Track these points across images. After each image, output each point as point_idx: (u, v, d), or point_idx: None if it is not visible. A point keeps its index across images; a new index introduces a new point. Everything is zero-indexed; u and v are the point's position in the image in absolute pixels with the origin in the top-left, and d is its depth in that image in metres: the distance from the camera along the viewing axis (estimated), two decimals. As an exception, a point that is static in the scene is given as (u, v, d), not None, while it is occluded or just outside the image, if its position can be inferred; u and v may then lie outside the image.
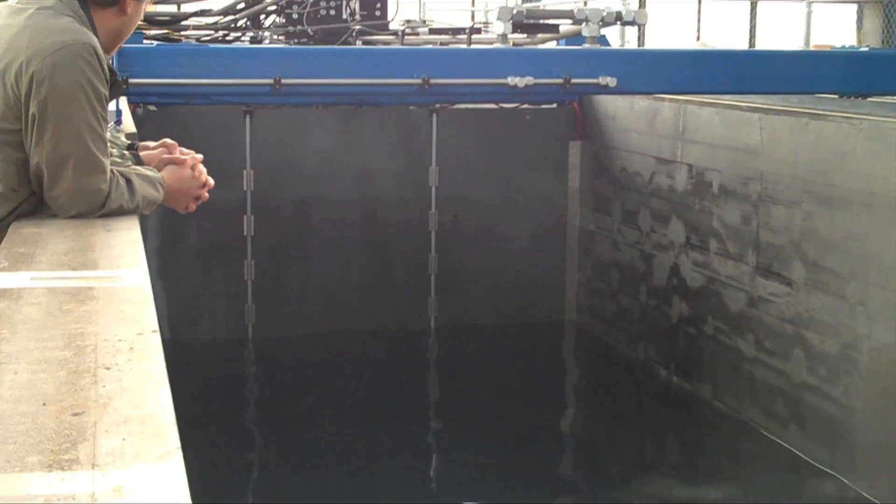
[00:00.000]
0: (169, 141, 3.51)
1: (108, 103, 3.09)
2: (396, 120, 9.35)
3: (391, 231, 9.56)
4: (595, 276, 9.56)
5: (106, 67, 3.01)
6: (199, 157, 3.48)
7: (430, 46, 9.63)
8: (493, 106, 9.39)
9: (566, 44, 9.27)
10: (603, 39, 9.15)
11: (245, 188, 9.02)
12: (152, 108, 8.29)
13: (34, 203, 3.06)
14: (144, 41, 8.18)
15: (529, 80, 7.94)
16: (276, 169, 9.16)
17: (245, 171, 8.97)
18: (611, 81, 8.09)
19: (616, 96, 8.56)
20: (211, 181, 3.50)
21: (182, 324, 9.09)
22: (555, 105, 9.45)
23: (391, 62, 7.84)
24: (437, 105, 9.23)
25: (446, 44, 9.96)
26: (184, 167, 3.39)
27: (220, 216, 8.90)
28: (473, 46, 9.60)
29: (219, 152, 8.38)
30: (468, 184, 9.46)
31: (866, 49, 7.32)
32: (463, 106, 9.40)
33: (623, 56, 8.40)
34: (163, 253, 9.00)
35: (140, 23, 3.53)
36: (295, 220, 9.39)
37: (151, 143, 3.53)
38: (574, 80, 8.00)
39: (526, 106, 9.39)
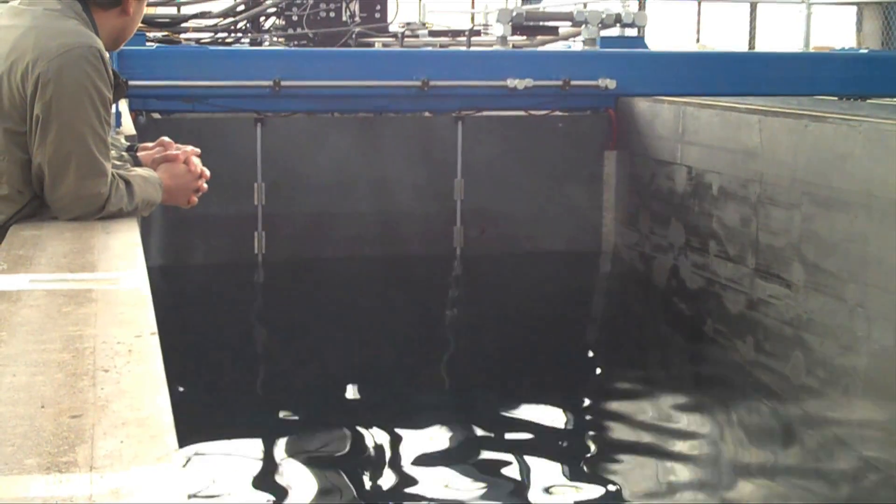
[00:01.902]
0: (166, 139, 3.52)
1: (111, 106, 3.09)
2: (418, 128, 8.97)
3: (413, 248, 9.07)
4: (631, 298, 9.10)
5: (110, 70, 3.02)
6: (191, 150, 3.48)
7: (429, 49, 9.61)
8: (521, 113, 8.97)
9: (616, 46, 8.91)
10: (640, 41, 8.96)
11: (256, 202, 8.64)
12: (156, 115, 8.14)
13: (37, 206, 3.07)
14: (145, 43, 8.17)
15: (529, 82, 7.94)
16: (288, 181, 8.74)
17: (256, 184, 8.60)
18: (610, 83, 8.10)
19: (657, 102, 8.19)
20: (207, 172, 3.50)
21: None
22: (588, 112, 9.04)
23: (391, 64, 7.77)
24: (463, 112, 8.81)
25: (446, 46, 9.92)
26: (177, 163, 3.40)
27: (229, 233, 8.61)
28: (473, 48, 9.59)
29: (227, 164, 8.18)
30: (496, 197, 9.02)
31: (866, 51, 7.31)
32: (490, 113, 8.97)
33: (623, 58, 8.38)
34: (166, 273, 8.49)
35: (140, 24, 3.53)
36: (309, 236, 8.91)
37: (150, 144, 3.54)
38: (574, 82, 7.99)
39: (557, 113, 9.00)
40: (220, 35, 9.62)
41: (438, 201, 8.97)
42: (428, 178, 8.92)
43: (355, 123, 8.81)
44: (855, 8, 14.40)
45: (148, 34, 8.72)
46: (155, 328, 2.11)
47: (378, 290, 9.04)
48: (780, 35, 17.59)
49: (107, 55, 3.01)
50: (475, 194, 8.95)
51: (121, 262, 2.67)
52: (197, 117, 8.42)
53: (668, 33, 17.66)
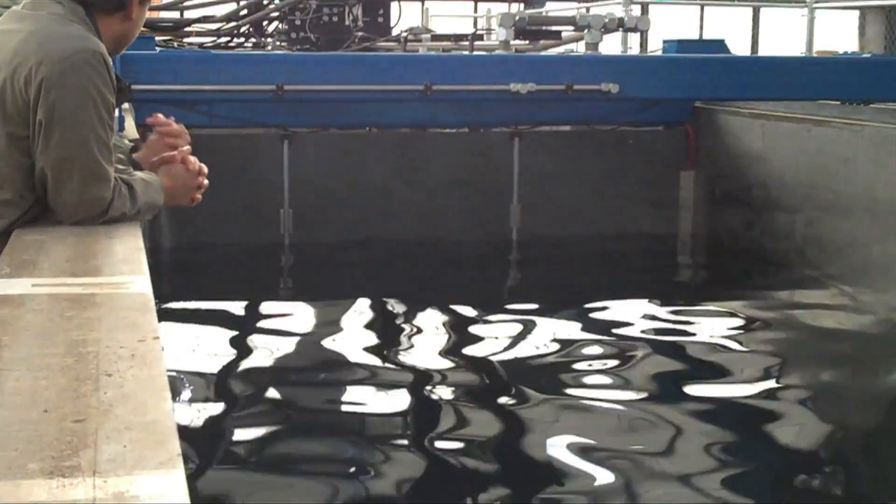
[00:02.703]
0: (160, 117, 3.53)
1: (114, 110, 3.10)
2: (468, 146, 8.23)
3: (462, 284, 7.99)
4: None
5: (114, 75, 3.03)
6: (187, 148, 3.49)
7: (432, 53, 9.61)
8: (585, 128, 8.31)
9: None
10: (722, 46, 8.60)
11: (282, 230, 7.87)
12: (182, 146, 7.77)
13: (40, 210, 3.07)
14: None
15: (532, 86, 7.93)
16: (319, 207, 7.94)
17: (282, 210, 7.85)
18: (613, 88, 8.09)
19: (744, 116, 7.62)
20: (205, 167, 3.50)
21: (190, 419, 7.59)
22: (660, 126, 8.37)
23: (393, 68, 7.66)
24: (519, 127, 8.09)
25: (449, 50, 9.90)
26: (174, 164, 3.40)
27: (249, 266, 7.82)
28: (476, 53, 9.59)
29: (250, 187, 7.70)
30: (557, 225, 8.19)
31: (868, 55, 7.30)
32: (550, 128, 8.27)
33: (625, 62, 8.38)
34: (178, 315, 7.26)
35: (143, 29, 3.54)
36: (342, 270, 7.95)
37: (152, 137, 3.55)
38: (576, 87, 7.99)
39: (627, 128, 8.28)
40: (223, 39, 9.63)
41: (492, 231, 8.17)
42: (480, 204, 8.15)
43: (395, 140, 8.11)
44: (857, 12, 14.40)
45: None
46: (158, 333, 2.11)
47: (422, 331, 7.51)
48: (783, 39, 17.60)
49: (110, 59, 3.01)
50: (533, 221, 8.17)
51: (124, 266, 2.67)
52: (215, 133, 7.75)
53: (671, 37, 17.66)
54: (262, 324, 7.59)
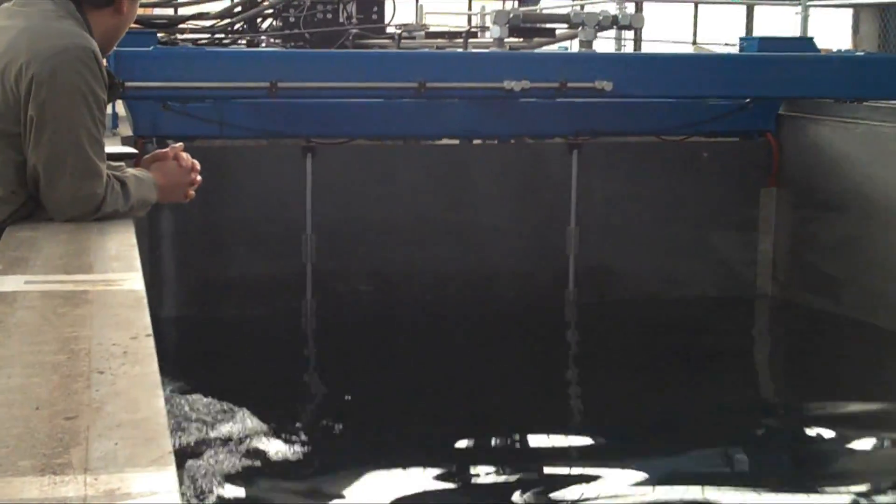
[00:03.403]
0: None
1: (106, 107, 3.10)
2: (519, 159, 7.52)
3: (511, 318, 7.33)
4: None
5: (105, 71, 3.02)
6: (179, 145, 3.49)
7: (426, 50, 9.58)
8: (653, 139, 7.59)
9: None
10: (810, 44, 8.04)
11: (304, 259, 7.11)
12: (174, 143, 7.26)
13: (32, 207, 3.07)
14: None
15: (526, 83, 7.90)
16: (347, 232, 7.18)
17: (304, 236, 7.11)
18: (606, 85, 8.05)
19: (840, 123, 7.09)
20: (197, 164, 3.50)
21: (198, 468, 6.14)
22: (738, 138, 7.68)
23: (387, 66, 7.51)
24: (579, 139, 7.33)
25: (443, 48, 9.88)
26: (167, 161, 3.40)
27: (269, 298, 7.07)
28: (470, 50, 9.58)
29: (266, 208, 7.06)
30: (620, 250, 7.46)
31: (862, 53, 7.31)
32: (612, 139, 7.52)
33: (619, 60, 8.38)
34: (183, 358, 6.74)
35: (137, 26, 3.54)
36: (373, 303, 7.24)
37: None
38: (570, 84, 7.96)
39: (699, 139, 7.57)
40: (217, 36, 9.62)
41: (545, 257, 7.41)
42: (532, 225, 7.40)
43: (434, 153, 7.46)
44: (851, 10, 14.42)
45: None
46: (150, 330, 2.11)
47: (462, 371, 6.99)
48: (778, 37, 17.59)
49: (101, 56, 3.01)
50: (594, 247, 7.38)
51: (116, 263, 2.67)
52: (227, 145, 7.19)
53: (665, 35, 17.68)
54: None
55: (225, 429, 6.38)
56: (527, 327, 7.19)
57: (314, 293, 7.08)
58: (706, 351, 7.15)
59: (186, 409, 6.36)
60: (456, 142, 7.49)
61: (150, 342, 2.01)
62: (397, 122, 7.32)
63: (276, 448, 6.68)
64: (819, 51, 8.04)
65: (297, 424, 6.69)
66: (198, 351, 6.85)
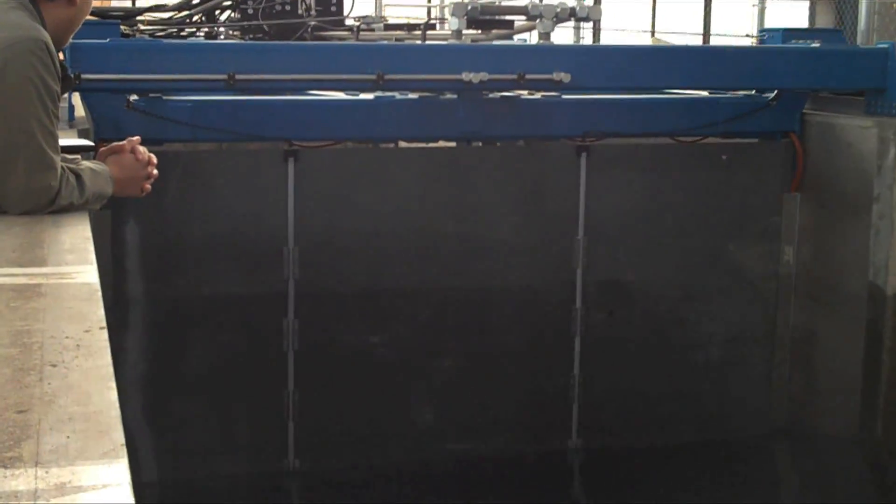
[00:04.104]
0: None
1: (59, 99, 3.08)
2: (521, 164, 7.06)
3: (511, 337, 6.91)
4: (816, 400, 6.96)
5: (57, 63, 3.01)
6: (137, 138, 3.49)
7: (384, 42, 9.55)
8: (668, 141, 7.14)
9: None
10: (839, 36, 7.72)
11: (285, 275, 6.54)
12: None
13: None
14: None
15: (484, 75, 7.89)
16: (333, 245, 6.63)
17: (285, 249, 6.54)
18: (564, 77, 8.05)
19: (870, 125, 6.76)
20: (154, 158, 3.49)
21: (181, 496, 6.38)
22: (757, 139, 7.27)
23: (345, 57, 7.44)
24: (588, 140, 6.84)
25: (401, 40, 9.86)
26: (124, 154, 3.40)
27: (245, 320, 6.53)
28: (428, 42, 9.56)
29: (244, 219, 6.53)
30: (631, 263, 7.03)
31: (816, 45, 7.34)
32: (623, 141, 7.05)
33: (577, 52, 8.38)
34: (152, 385, 6.41)
35: (93, 18, 3.53)
36: (362, 323, 6.71)
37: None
38: (528, 76, 7.95)
39: (714, 139, 7.13)
40: (174, 29, 9.56)
41: (550, 270, 6.90)
42: (536, 236, 6.90)
43: (429, 157, 6.94)
44: (808, 3, 14.53)
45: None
46: (104, 322, 2.10)
47: (460, 397, 6.80)
48: (734, 29, 17.70)
49: (53, 48, 3.00)
50: (603, 259, 6.91)
51: (71, 256, 2.66)
52: (199, 149, 6.70)
53: (623, 27, 17.73)
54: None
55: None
56: (531, 343, 6.81)
57: (297, 312, 6.54)
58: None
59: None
60: (453, 144, 7.11)
61: (104, 335, 2.01)
62: (388, 123, 6.84)
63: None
64: (846, 43, 7.79)
65: (275, 462, 6.60)
66: (167, 379, 6.45)
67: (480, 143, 7.24)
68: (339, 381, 6.65)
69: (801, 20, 15.20)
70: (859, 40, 8.23)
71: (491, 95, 7.10)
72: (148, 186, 3.48)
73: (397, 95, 7.04)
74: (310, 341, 6.56)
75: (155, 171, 3.50)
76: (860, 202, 6.89)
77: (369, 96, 7.01)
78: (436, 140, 7.00)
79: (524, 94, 7.21)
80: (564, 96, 7.23)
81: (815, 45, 7.30)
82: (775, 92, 7.43)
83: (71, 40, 3.36)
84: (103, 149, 3.47)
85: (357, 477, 6.75)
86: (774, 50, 7.52)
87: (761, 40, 8.21)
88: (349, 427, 6.72)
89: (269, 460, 6.63)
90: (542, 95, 7.21)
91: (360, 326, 6.69)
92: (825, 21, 13.34)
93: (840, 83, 7.34)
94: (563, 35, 15.54)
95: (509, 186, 6.90)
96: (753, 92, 7.59)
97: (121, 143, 3.44)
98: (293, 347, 6.57)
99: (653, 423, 7.12)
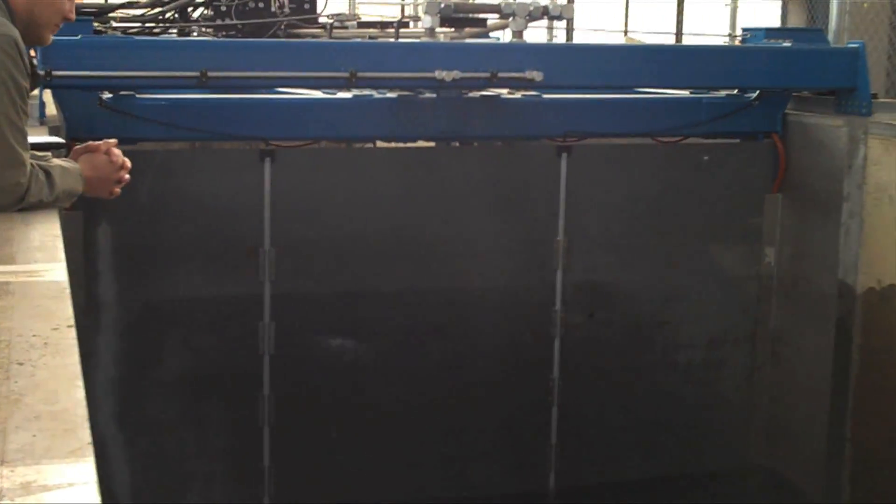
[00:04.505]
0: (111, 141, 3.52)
1: (28, 95, 3.07)
2: (501, 164, 7.00)
3: (490, 339, 6.85)
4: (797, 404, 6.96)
5: (27, 59, 3.00)
6: (113, 141, 3.48)
7: (357, 40, 9.52)
8: (649, 141, 7.11)
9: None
10: (820, 36, 7.67)
11: (261, 277, 6.43)
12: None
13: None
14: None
15: (457, 73, 7.88)
16: (309, 246, 6.54)
17: (262, 251, 6.42)
18: (537, 75, 8.05)
19: (840, 124, 6.83)
20: (128, 161, 3.48)
21: (157, 498, 6.36)
22: (738, 140, 7.25)
23: (318, 55, 7.32)
24: (568, 141, 6.78)
25: (375, 38, 9.84)
26: (97, 154, 3.39)
27: (220, 323, 6.44)
28: (401, 40, 9.55)
29: (219, 220, 6.42)
30: (612, 264, 6.98)
31: (788, 45, 7.36)
32: (604, 141, 7.00)
33: (549, 50, 8.38)
34: (124, 388, 6.30)
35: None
36: (340, 326, 6.64)
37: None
38: (501, 74, 7.94)
39: (696, 140, 7.09)
40: (147, 25, 9.53)
41: (529, 271, 6.84)
42: (516, 237, 6.83)
43: (407, 157, 6.86)
44: (780, 2, 14.59)
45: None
46: (72, 321, 2.09)
47: (438, 400, 6.72)
48: (707, 28, 17.77)
49: (22, 43, 2.98)
50: (583, 261, 6.84)
51: (40, 254, 2.65)
52: (173, 149, 6.63)
53: (596, 26, 17.76)
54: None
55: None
56: (510, 345, 6.76)
57: (273, 315, 6.42)
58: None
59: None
60: (431, 144, 7.01)
61: (72, 333, 2.00)
62: (366, 122, 6.74)
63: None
64: (829, 43, 7.85)
65: (250, 467, 6.54)
66: (140, 382, 6.34)
67: (459, 144, 7.18)
68: (314, 385, 6.60)
69: (773, 20, 15.26)
70: (831, 40, 8.27)
71: (470, 95, 7.05)
72: (118, 190, 3.47)
73: (375, 94, 6.99)
74: (285, 345, 6.47)
75: (127, 176, 3.50)
76: (832, 201, 6.92)
77: (347, 95, 6.94)
78: (414, 140, 6.94)
79: (504, 93, 7.17)
80: (545, 96, 7.19)
81: (787, 44, 7.33)
82: (757, 92, 7.44)
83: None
84: (77, 147, 3.46)
85: (331, 476, 6.70)
86: (745, 49, 7.55)
87: (744, 40, 8.20)
88: (324, 431, 6.67)
89: (243, 464, 6.57)
90: (523, 95, 7.18)
91: (337, 329, 6.61)
92: (797, 20, 13.40)
93: (811, 83, 7.38)
94: (536, 34, 15.57)
95: (488, 187, 6.84)
96: (736, 92, 7.61)
97: (96, 143, 3.43)
98: (268, 351, 6.48)
99: (634, 425, 7.12)
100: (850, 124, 7.01)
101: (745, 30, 8.24)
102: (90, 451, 1.45)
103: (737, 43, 12.34)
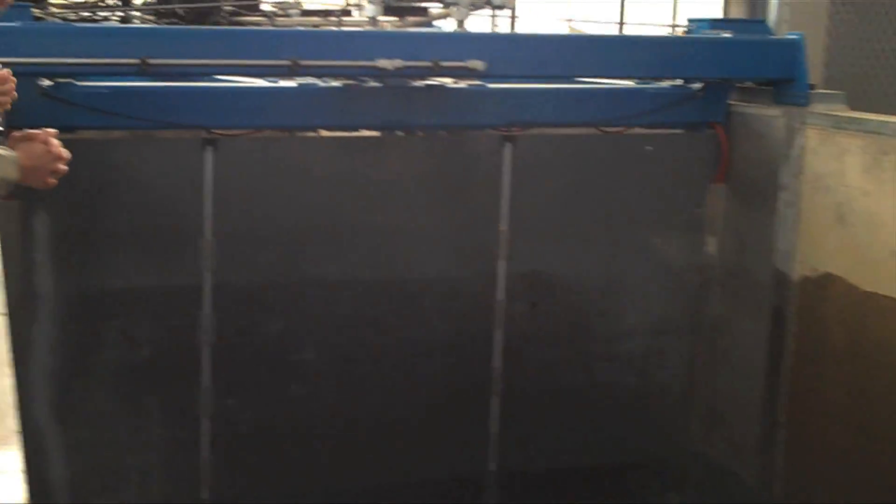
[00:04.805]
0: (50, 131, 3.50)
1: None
2: (444, 154, 6.95)
3: (432, 328, 6.82)
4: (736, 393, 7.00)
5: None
6: (52, 131, 3.47)
7: (300, 28, 9.48)
8: (594, 131, 7.06)
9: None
10: (763, 27, 7.75)
11: (202, 267, 6.37)
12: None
13: None
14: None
15: (399, 62, 7.86)
16: (251, 235, 6.47)
17: (202, 240, 6.38)
18: (478, 65, 8.03)
19: (778, 114, 6.89)
20: (66, 153, 3.46)
21: (92, 493, 6.30)
22: (682, 130, 7.24)
23: (260, 43, 6.87)
24: (512, 130, 6.76)
25: (318, 26, 9.81)
26: (35, 142, 3.38)
27: (160, 313, 6.35)
28: (344, 29, 9.53)
29: (159, 209, 6.34)
30: (555, 254, 6.96)
31: (728, 35, 7.43)
32: (548, 131, 6.96)
33: (490, 39, 8.39)
34: (61, 379, 6.21)
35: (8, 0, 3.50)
36: (281, 317, 6.57)
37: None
38: (443, 64, 7.93)
39: (640, 130, 7.11)
40: (87, 12, 9.47)
41: (472, 261, 6.78)
42: (458, 227, 6.78)
43: (351, 146, 6.75)
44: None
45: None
46: (3, 308, 2.09)
47: (379, 387, 6.70)
48: (650, 19, 17.87)
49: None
50: (526, 250, 6.83)
51: (-30, 242, 2.63)
52: (113, 137, 6.48)
53: (540, 16, 17.81)
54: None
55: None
56: (452, 335, 6.72)
57: (214, 306, 6.36)
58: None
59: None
60: (376, 134, 6.97)
61: (1, 321, 1.99)
62: (309, 111, 6.68)
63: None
64: (773, 34, 7.89)
65: (189, 460, 6.46)
66: (78, 373, 6.25)
67: (403, 133, 7.15)
68: (255, 376, 6.56)
69: (716, 11, 15.35)
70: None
71: (414, 84, 7.03)
72: (52, 181, 3.46)
73: (319, 83, 6.96)
74: (226, 335, 6.43)
75: (65, 167, 3.48)
76: (770, 191, 7.00)
77: (291, 84, 6.88)
78: (357, 129, 6.88)
79: (448, 82, 7.17)
80: (490, 86, 7.17)
81: (727, 35, 7.39)
82: (702, 83, 7.47)
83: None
84: (16, 134, 3.44)
85: (272, 466, 6.68)
86: (687, 40, 7.60)
87: (688, 31, 8.25)
88: (265, 422, 6.62)
89: (182, 456, 6.51)
90: (469, 84, 7.18)
91: (279, 319, 6.56)
92: (739, 11, 13.51)
93: (752, 73, 7.44)
94: (480, 24, 15.57)
95: (432, 176, 6.81)
96: (681, 82, 7.65)
97: (35, 131, 3.42)
98: (209, 341, 6.43)
99: (574, 413, 7.15)
100: (787, 115, 7.09)
101: (689, 21, 8.29)
102: (15, 439, 1.45)
103: (680, 34, 12.43)
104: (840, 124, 6.79)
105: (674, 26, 16.70)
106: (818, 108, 7.09)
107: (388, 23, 9.30)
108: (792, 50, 7.27)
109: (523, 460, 7.04)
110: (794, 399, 6.87)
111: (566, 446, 7.12)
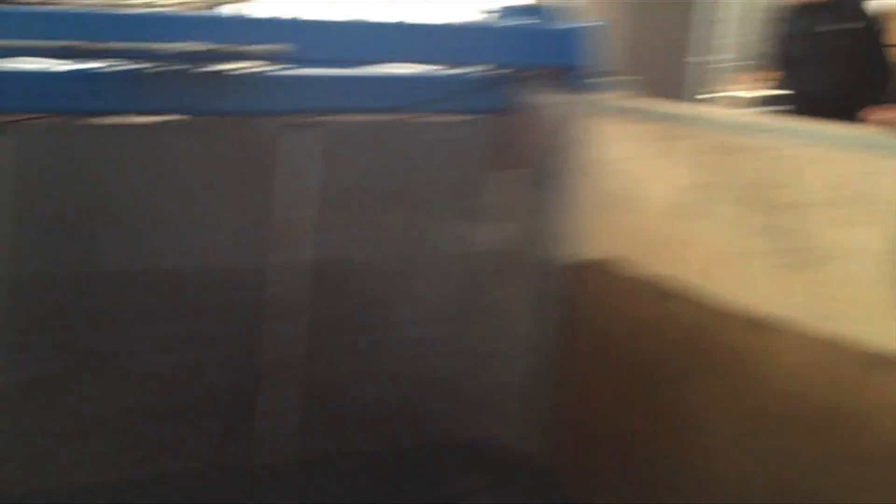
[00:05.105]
0: None
1: None
2: (231, 140, 6.76)
3: (218, 320, 6.68)
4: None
5: None
6: None
7: (82, 10, 8.96)
8: (384, 118, 7.03)
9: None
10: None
11: None
12: None
13: None
14: None
15: (200, 45, 7.61)
16: (29, 227, 6.21)
17: None
18: (285, 49, 7.89)
19: (560, 101, 6.86)
20: None
21: None
22: (465, 117, 7.24)
23: (37, 24, 6.31)
24: (302, 117, 6.70)
25: (104, 6, 9.52)
26: None
27: None
28: (137, 10, 9.28)
29: None
30: (339, 243, 6.88)
31: (513, 23, 7.46)
32: (338, 118, 6.87)
33: (297, 24, 8.27)
34: None
35: None
36: (64, 310, 6.35)
37: None
38: (244, 48, 7.74)
39: (430, 117, 7.08)
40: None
41: (259, 251, 6.64)
42: (244, 216, 6.67)
43: (136, 133, 6.51)
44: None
45: None
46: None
47: (166, 382, 6.55)
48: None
49: None
50: (312, 239, 6.68)
51: None
52: None
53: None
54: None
55: None
56: (238, 320, 6.61)
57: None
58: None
59: None
60: (161, 119, 6.62)
61: None
62: (92, 96, 6.27)
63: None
64: (558, 20, 7.76)
65: None
66: None
67: (191, 119, 6.86)
68: (40, 372, 6.35)
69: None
70: (568, 18, 8.35)
71: (207, 69, 6.92)
72: None
73: (102, 67, 6.75)
74: (11, 331, 6.19)
75: None
76: (552, 178, 7.10)
77: (72, 67, 6.45)
78: (143, 114, 6.59)
79: (243, 67, 7.08)
80: (284, 72, 6.89)
81: (511, 23, 7.41)
82: (488, 70, 7.42)
83: None
84: None
85: (50, 460, 6.58)
86: (467, 27, 7.57)
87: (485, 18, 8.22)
88: (47, 415, 6.44)
89: None
90: (265, 71, 7.07)
91: (62, 313, 6.36)
92: None
93: (534, 60, 7.43)
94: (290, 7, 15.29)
95: (218, 164, 6.67)
96: (472, 69, 7.62)
97: None
98: None
99: (353, 402, 7.10)
100: (569, 102, 7.17)
101: (490, 10, 8.26)
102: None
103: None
104: (625, 112, 6.88)
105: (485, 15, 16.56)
106: (600, 96, 7.17)
107: (191, 5, 9.15)
108: (571, 38, 7.26)
109: (298, 450, 6.94)
110: (573, 383, 6.98)
111: (342, 435, 7.06)
